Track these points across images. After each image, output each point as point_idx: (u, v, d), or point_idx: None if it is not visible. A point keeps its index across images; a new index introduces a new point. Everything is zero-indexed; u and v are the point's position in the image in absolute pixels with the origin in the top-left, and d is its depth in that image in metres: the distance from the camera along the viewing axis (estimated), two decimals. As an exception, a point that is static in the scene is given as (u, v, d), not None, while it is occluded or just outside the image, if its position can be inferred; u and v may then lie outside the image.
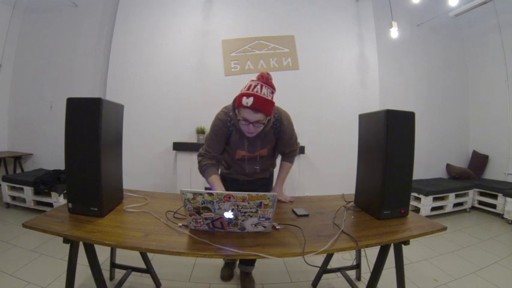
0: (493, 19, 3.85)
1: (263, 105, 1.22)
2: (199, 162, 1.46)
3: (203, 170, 1.43)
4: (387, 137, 1.24)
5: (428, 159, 4.04)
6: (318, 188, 3.59)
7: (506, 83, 3.79)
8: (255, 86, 1.24)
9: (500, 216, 3.27)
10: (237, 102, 1.27)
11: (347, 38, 3.73)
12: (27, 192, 2.90)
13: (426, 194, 3.20)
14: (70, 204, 1.21)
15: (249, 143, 1.43)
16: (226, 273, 1.88)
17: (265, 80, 1.27)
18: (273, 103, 1.28)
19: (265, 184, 1.65)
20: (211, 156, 1.44)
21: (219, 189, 1.33)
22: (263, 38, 3.59)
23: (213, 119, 1.47)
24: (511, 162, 3.74)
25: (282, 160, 1.63)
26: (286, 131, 1.47)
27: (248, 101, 1.20)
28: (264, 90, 1.24)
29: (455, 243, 2.54)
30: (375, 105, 3.65)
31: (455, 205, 3.44)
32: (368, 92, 3.72)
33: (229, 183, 1.54)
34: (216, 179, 1.38)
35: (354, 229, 1.19)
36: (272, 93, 1.28)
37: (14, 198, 3.08)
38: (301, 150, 3.34)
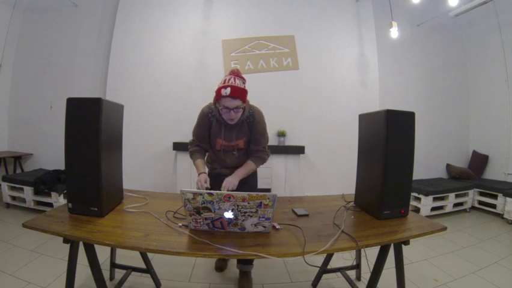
0: (493, 19, 3.84)
1: (239, 92, 1.44)
2: (188, 149, 1.69)
3: (191, 155, 1.66)
4: (387, 137, 1.25)
5: (428, 159, 4.04)
6: (318, 188, 3.59)
7: (506, 83, 3.79)
8: (229, 79, 1.47)
9: (500, 216, 3.27)
10: (217, 95, 1.49)
11: (347, 38, 3.73)
12: (27, 192, 2.90)
13: (426, 194, 3.20)
14: (70, 204, 1.21)
15: (225, 132, 1.60)
16: (220, 264, 1.99)
17: (236, 73, 1.51)
18: (246, 91, 1.50)
19: (246, 182, 1.67)
20: (196, 144, 1.67)
21: (201, 169, 1.53)
22: (263, 38, 3.59)
23: None
24: (511, 162, 3.74)
25: (248, 159, 1.65)
26: (258, 125, 1.62)
27: (226, 91, 1.42)
28: (238, 81, 1.47)
29: (455, 243, 2.54)
30: (375, 105, 3.65)
31: (455, 205, 3.43)
32: (368, 92, 3.72)
33: (213, 177, 1.65)
34: (199, 162, 1.58)
35: (354, 229, 1.19)
36: (244, 83, 1.51)
37: (14, 198, 3.08)
38: (301, 150, 3.34)
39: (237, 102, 1.45)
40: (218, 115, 1.55)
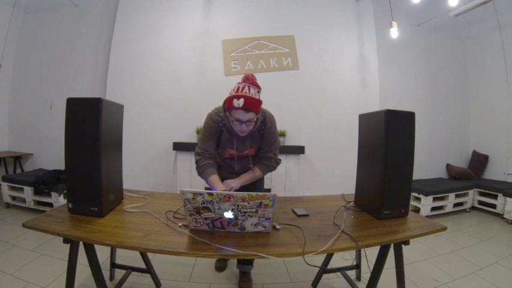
0: (493, 19, 3.84)
1: (253, 104, 1.30)
2: (197, 161, 1.50)
3: (201, 170, 1.47)
4: (387, 137, 1.24)
5: (428, 159, 4.04)
6: (318, 188, 3.59)
7: (506, 83, 3.79)
8: (243, 87, 1.31)
9: (500, 216, 3.27)
10: (228, 105, 1.34)
11: (347, 38, 3.73)
12: (27, 192, 2.90)
13: (426, 194, 3.20)
14: (70, 204, 1.21)
15: (237, 142, 1.49)
16: (220, 264, 1.98)
17: (251, 81, 1.36)
18: (261, 101, 1.35)
19: (253, 183, 1.63)
20: (209, 155, 1.50)
21: (220, 188, 1.35)
22: (263, 38, 3.59)
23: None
24: (511, 162, 3.74)
25: (255, 165, 1.57)
26: (269, 132, 1.52)
27: (239, 102, 1.27)
28: (252, 90, 1.32)
29: (455, 243, 2.54)
30: (375, 105, 3.65)
31: (455, 205, 3.43)
32: (368, 92, 3.72)
33: None
34: (215, 179, 1.42)
35: (354, 229, 1.19)
36: (258, 92, 1.36)
37: (14, 198, 3.08)
38: (301, 150, 3.34)
39: (250, 115, 1.32)
40: (229, 124, 1.42)
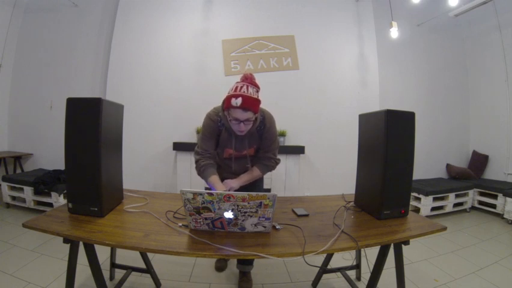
0: (493, 19, 3.84)
1: (251, 103, 1.30)
2: (196, 161, 1.51)
3: (202, 170, 1.48)
4: (387, 137, 1.25)
5: (428, 159, 4.04)
6: (318, 188, 3.59)
7: (506, 83, 3.79)
8: (241, 87, 1.32)
9: (500, 216, 3.27)
10: (226, 104, 1.35)
11: (347, 38, 3.73)
12: (27, 192, 2.90)
13: (426, 194, 3.20)
14: (70, 204, 1.21)
15: (236, 141, 1.49)
16: (220, 264, 1.98)
17: (249, 80, 1.36)
18: (259, 101, 1.36)
19: (252, 183, 1.63)
20: (209, 155, 1.50)
21: (220, 189, 1.36)
22: (263, 38, 3.59)
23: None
24: (511, 162, 3.74)
25: (254, 165, 1.59)
26: (269, 132, 1.52)
27: (237, 102, 1.28)
28: (250, 90, 1.32)
29: (455, 243, 2.54)
30: (375, 105, 3.65)
31: (455, 205, 3.43)
32: (368, 92, 3.72)
33: None
34: (216, 179, 1.43)
35: (354, 229, 1.19)
36: (257, 91, 1.37)
37: (14, 198, 3.08)
38: (301, 150, 3.34)
39: (248, 115, 1.32)
40: (228, 124, 1.42)
